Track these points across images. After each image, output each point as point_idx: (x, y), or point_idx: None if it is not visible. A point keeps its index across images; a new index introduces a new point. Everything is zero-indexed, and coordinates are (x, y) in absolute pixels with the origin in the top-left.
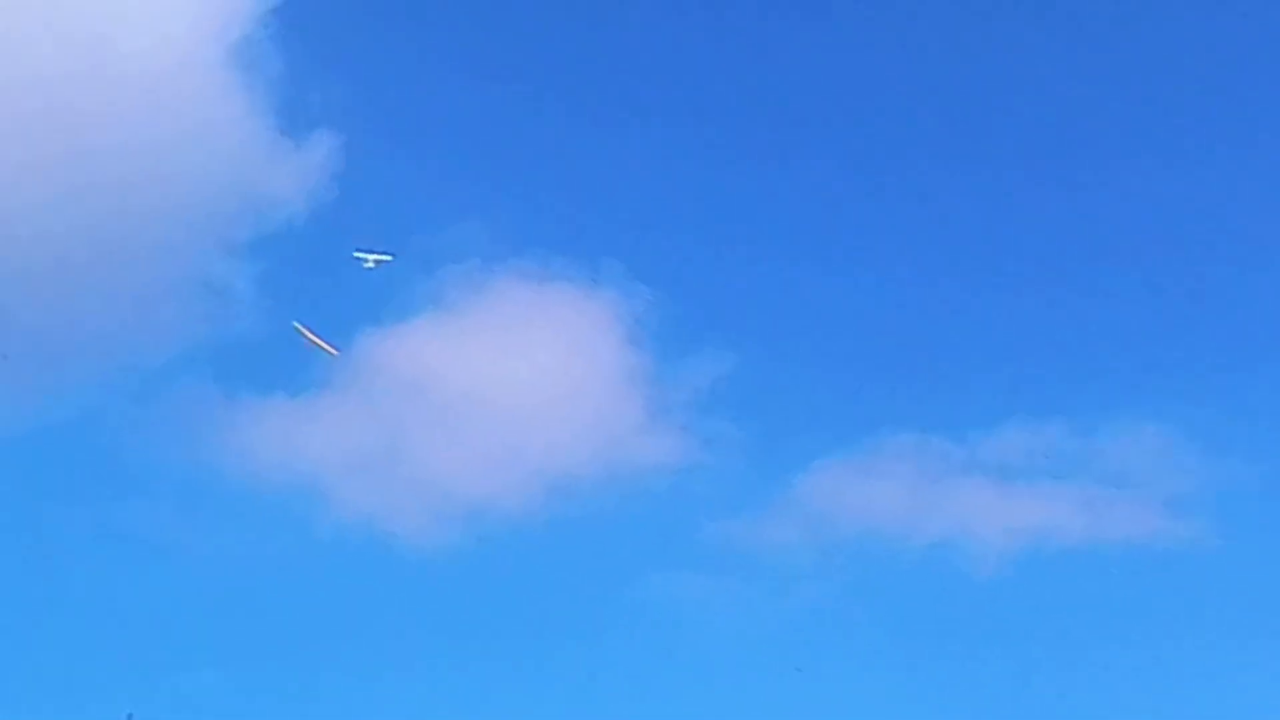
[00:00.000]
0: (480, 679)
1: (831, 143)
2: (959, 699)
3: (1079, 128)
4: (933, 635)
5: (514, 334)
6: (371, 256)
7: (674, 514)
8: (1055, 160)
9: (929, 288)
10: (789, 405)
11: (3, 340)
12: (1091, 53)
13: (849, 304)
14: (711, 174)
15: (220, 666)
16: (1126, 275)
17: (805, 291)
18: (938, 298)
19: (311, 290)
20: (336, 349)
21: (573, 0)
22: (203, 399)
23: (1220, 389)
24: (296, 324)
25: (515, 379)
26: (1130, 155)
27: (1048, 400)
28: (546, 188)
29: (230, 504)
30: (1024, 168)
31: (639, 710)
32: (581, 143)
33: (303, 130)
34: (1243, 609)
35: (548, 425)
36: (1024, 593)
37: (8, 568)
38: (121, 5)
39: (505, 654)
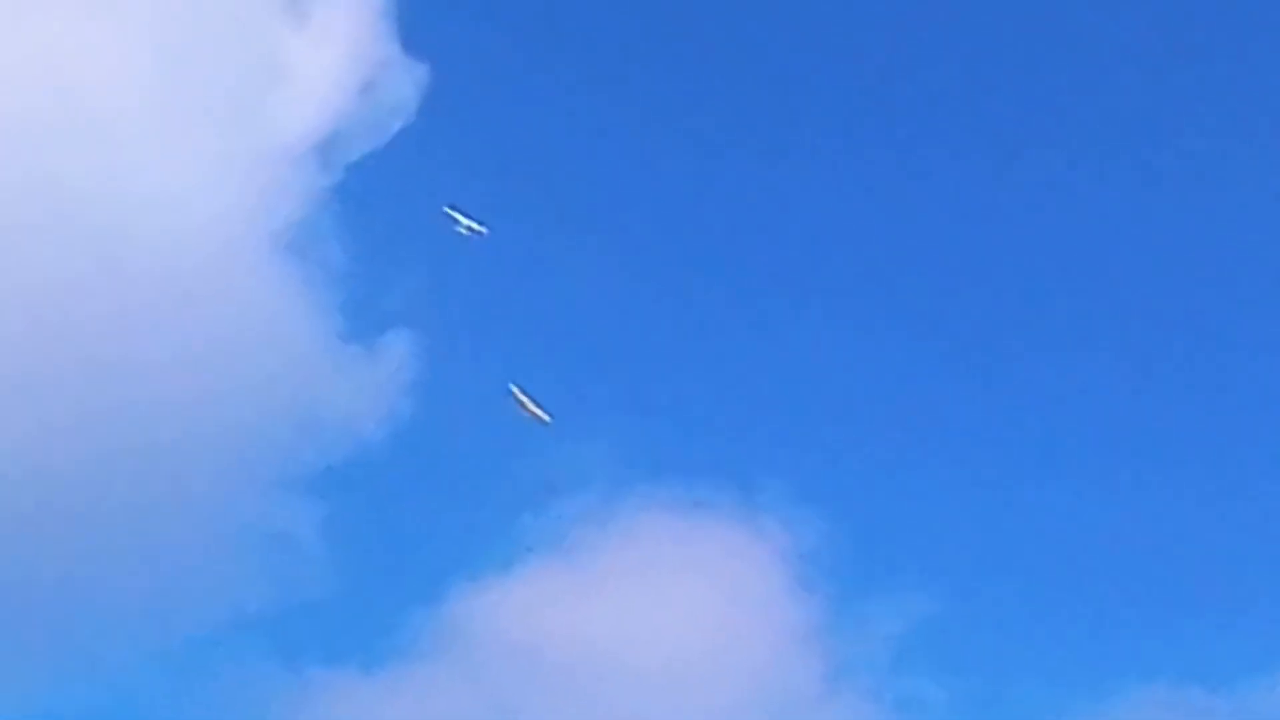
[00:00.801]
0: None
1: (1039, 333)
2: None
3: None
4: None
5: (651, 580)
6: (465, 222)
7: None
8: None
9: (1176, 506)
10: (1003, 657)
11: (13, 604)
12: None
13: (1072, 527)
14: (894, 370)
15: None
16: None
17: (1016, 513)
18: (1189, 517)
19: (391, 534)
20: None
21: (708, 162)
22: (261, 673)
23: None
24: (513, 386)
25: (654, 637)
26: None
27: None
28: (683, 393)
29: None
30: None
31: None
32: (727, 336)
33: (372, 332)
34: None
35: (698, 694)
36: None
37: None
38: (143, 185)
39: None
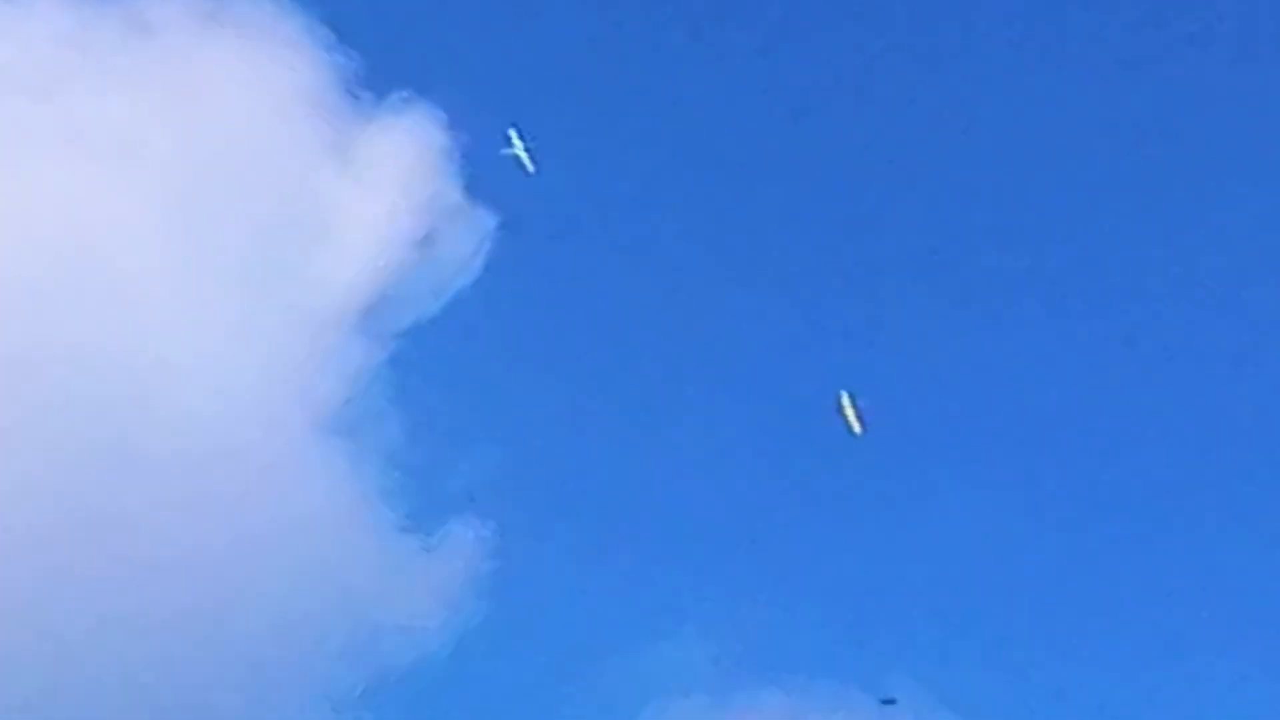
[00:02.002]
0: None
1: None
2: None
3: None
4: None
5: None
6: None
7: None
8: None
9: None
10: None
11: None
12: None
13: None
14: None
15: None
16: None
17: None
18: None
19: None
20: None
21: (817, 341)
22: None
23: None
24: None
25: None
26: None
27: None
28: (804, 579)
29: None
30: None
31: None
32: (850, 510)
33: (434, 522)
34: None
35: None
36: None
37: None
38: (164, 358)
39: None
